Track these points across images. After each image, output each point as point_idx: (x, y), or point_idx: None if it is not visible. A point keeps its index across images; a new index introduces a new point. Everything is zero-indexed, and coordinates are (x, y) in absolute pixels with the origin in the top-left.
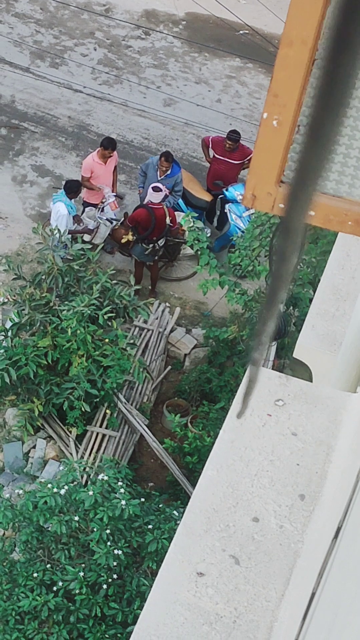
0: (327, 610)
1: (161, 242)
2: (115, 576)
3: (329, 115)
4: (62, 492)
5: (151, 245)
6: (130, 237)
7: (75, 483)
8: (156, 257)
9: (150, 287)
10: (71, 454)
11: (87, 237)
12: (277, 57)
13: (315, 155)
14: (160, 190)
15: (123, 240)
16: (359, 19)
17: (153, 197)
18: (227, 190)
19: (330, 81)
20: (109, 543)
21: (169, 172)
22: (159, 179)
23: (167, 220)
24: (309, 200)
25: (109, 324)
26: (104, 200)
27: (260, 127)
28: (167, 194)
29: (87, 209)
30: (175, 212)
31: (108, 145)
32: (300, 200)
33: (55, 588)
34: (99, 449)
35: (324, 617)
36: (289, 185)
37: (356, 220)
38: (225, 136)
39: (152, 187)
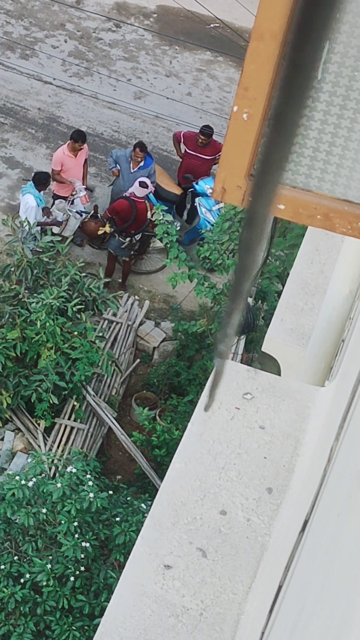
0: (294, 603)
1: (138, 236)
2: (82, 568)
3: (291, 107)
4: (30, 484)
5: (128, 239)
6: (107, 229)
7: (43, 475)
8: (131, 253)
9: (120, 281)
10: (39, 446)
11: (56, 230)
12: (247, 50)
13: (278, 148)
14: (147, 187)
15: (100, 232)
16: (322, 7)
17: (138, 191)
18: (197, 183)
19: (293, 73)
20: (76, 535)
21: (142, 163)
22: (132, 171)
23: (149, 215)
24: (273, 192)
25: (78, 316)
26: (74, 193)
27: (231, 120)
28: (152, 191)
29: (56, 202)
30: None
31: (78, 138)
32: (264, 192)
33: (22, 580)
34: (67, 442)
35: (291, 610)
36: (253, 177)
37: (325, 214)
38: (197, 131)
39: (139, 182)
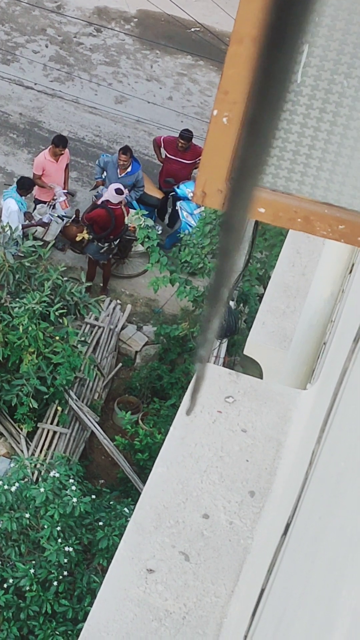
0: (276, 606)
1: (116, 241)
2: (65, 573)
3: (266, 113)
4: (13, 489)
5: (106, 244)
6: (85, 235)
7: (26, 480)
8: (110, 256)
9: (101, 285)
10: (22, 451)
11: (38, 234)
12: (227, 54)
13: (254, 153)
14: (122, 193)
15: (78, 238)
16: (294, 12)
17: (113, 198)
18: (178, 187)
19: (268, 78)
20: (59, 540)
21: (129, 169)
22: (120, 177)
23: (126, 220)
24: (250, 197)
25: (60, 321)
26: (55, 198)
27: (211, 124)
28: (126, 195)
29: (38, 206)
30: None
31: (59, 142)
32: (241, 197)
33: (5, 585)
34: (49, 446)
35: (273, 613)
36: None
37: (305, 217)
38: (177, 136)
39: (115, 189)
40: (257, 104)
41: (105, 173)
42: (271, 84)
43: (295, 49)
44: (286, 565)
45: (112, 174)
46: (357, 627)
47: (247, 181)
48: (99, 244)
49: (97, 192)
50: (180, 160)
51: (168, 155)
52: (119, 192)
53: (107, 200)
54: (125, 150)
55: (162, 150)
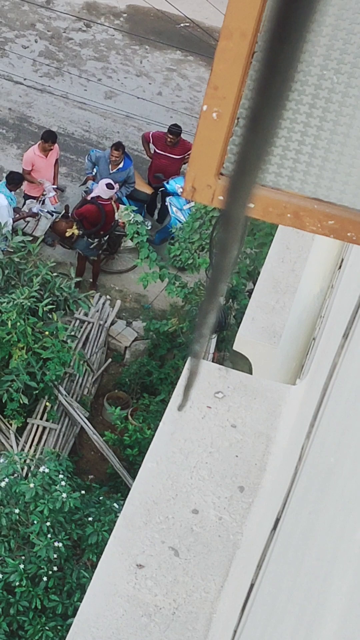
0: (266, 601)
1: (106, 237)
2: (55, 568)
3: (268, 107)
4: (3, 484)
5: (96, 240)
6: (75, 230)
7: (15, 475)
8: (100, 252)
9: (91, 280)
10: (11, 446)
11: (28, 229)
12: (216, 49)
13: (255, 148)
14: (113, 188)
15: (67, 234)
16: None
17: (103, 194)
18: (167, 183)
19: (271, 72)
20: (49, 535)
21: (121, 165)
22: (112, 172)
23: (116, 215)
24: (249, 192)
25: (49, 316)
26: (44, 193)
27: (200, 119)
28: (116, 191)
29: (27, 202)
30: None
31: (48, 138)
32: (240, 192)
33: None
34: (39, 442)
35: (263, 608)
36: (229, 177)
37: (295, 213)
38: (166, 130)
39: (106, 184)
40: (259, 99)
41: (95, 168)
42: (274, 80)
43: (301, 43)
44: (275, 560)
45: (104, 170)
46: (346, 622)
47: (247, 177)
48: (89, 239)
49: (87, 187)
50: (169, 155)
51: (157, 151)
52: (109, 187)
53: (98, 196)
54: (118, 146)
55: (151, 145)
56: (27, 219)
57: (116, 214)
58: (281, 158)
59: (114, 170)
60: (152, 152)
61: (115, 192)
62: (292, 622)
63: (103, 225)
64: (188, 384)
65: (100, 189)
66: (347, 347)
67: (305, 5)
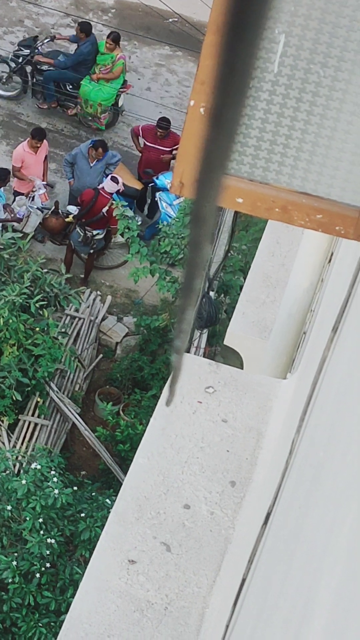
0: (257, 595)
1: (95, 232)
2: (48, 565)
3: (228, 102)
4: None
5: (82, 233)
6: (70, 218)
7: (7, 472)
8: (91, 250)
9: (82, 276)
10: (3, 443)
11: (17, 226)
12: (203, 44)
13: (218, 144)
14: (117, 182)
15: (67, 220)
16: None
17: (108, 186)
18: (157, 178)
19: (228, 68)
20: (42, 532)
21: (100, 157)
22: (92, 165)
23: (104, 209)
24: (217, 187)
25: (40, 312)
26: (34, 190)
27: (188, 114)
28: (121, 191)
29: (17, 198)
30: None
31: (36, 135)
32: (208, 187)
33: None
34: (31, 438)
35: (254, 603)
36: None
37: (283, 207)
38: (155, 124)
39: (112, 177)
40: (220, 93)
41: (74, 167)
42: (234, 74)
43: (257, 38)
44: (267, 555)
45: (83, 165)
46: (336, 616)
47: (213, 172)
48: (79, 230)
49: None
50: (159, 147)
51: (147, 143)
52: (114, 179)
53: (102, 187)
54: (97, 146)
55: (141, 139)
56: (18, 214)
57: (105, 208)
58: (269, 152)
59: (94, 163)
60: (142, 145)
61: (119, 189)
62: (283, 616)
63: (88, 211)
64: (172, 379)
65: (106, 182)
66: (337, 341)
67: (259, 2)
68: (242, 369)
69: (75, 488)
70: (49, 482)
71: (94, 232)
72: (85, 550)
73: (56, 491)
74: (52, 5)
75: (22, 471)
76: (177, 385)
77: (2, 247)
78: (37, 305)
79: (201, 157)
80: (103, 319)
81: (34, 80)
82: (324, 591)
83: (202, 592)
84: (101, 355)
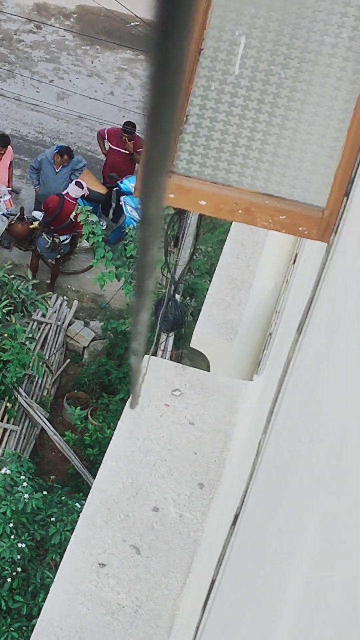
0: (227, 597)
1: (63, 238)
2: (19, 569)
3: (164, 101)
4: None
5: (51, 239)
6: (36, 224)
7: None
8: (58, 256)
9: (48, 282)
10: None
11: None
12: None
13: (158, 143)
14: (82, 187)
15: (32, 227)
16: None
17: (72, 191)
18: (122, 182)
19: (161, 66)
20: (12, 536)
21: (66, 163)
22: (57, 171)
23: (72, 215)
24: (161, 187)
25: (8, 318)
26: (0, 196)
27: None
28: (86, 195)
29: None
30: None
31: (0, 141)
32: (151, 188)
33: None
34: (0, 444)
35: (224, 604)
36: (140, 176)
37: (246, 209)
38: (120, 128)
39: (76, 182)
40: (154, 93)
41: (40, 173)
42: (163, 75)
43: (183, 38)
44: (235, 556)
45: (49, 171)
46: (302, 616)
47: (155, 171)
48: (46, 237)
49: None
50: (123, 151)
51: (112, 147)
52: (78, 184)
53: (67, 193)
54: (63, 152)
55: (106, 142)
56: None
57: (72, 214)
58: (231, 154)
59: (59, 169)
60: (107, 148)
61: (84, 194)
62: (251, 616)
63: (55, 218)
64: (134, 382)
65: (70, 187)
66: (302, 341)
67: (183, 6)
68: (208, 371)
69: (45, 492)
70: (18, 487)
71: (62, 238)
72: (56, 555)
73: (26, 496)
74: (14, 11)
75: None
76: (139, 387)
77: None
78: (4, 311)
79: (144, 157)
80: (70, 324)
81: None
82: (290, 591)
83: (172, 594)
84: (69, 360)
